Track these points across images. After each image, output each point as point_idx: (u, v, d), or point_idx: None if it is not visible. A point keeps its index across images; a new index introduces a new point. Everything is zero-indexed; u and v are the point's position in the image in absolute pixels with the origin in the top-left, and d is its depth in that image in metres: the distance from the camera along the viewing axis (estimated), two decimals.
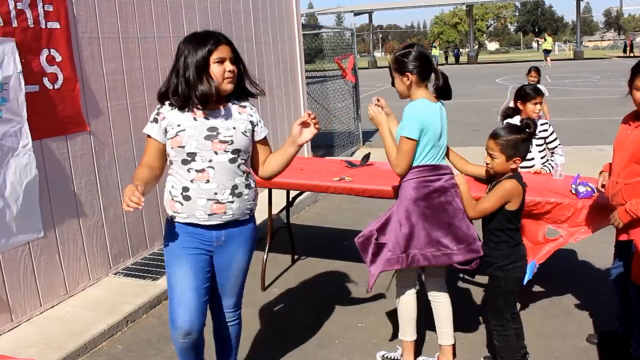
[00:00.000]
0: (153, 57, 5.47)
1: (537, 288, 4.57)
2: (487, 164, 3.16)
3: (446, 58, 50.86)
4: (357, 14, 49.20)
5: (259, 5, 7.63)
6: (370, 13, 49.90)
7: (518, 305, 3.60)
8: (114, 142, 5.02)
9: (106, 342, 4.06)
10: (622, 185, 3.18)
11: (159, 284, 4.77)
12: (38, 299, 4.32)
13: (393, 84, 3.28)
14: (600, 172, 3.55)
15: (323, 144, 10.62)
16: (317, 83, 10.83)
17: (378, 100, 3.36)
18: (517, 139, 3.04)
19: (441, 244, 3.18)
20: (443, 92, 3.25)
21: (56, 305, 4.44)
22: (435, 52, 40.12)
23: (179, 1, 5.88)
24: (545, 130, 4.68)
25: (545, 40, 37.55)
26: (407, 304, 3.47)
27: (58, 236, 4.48)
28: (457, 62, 49.18)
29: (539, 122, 4.59)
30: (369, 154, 5.25)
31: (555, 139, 4.76)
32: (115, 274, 4.99)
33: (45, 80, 4.31)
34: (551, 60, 35.77)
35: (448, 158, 3.44)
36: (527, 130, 3.07)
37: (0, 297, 4.04)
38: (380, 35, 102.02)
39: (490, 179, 3.27)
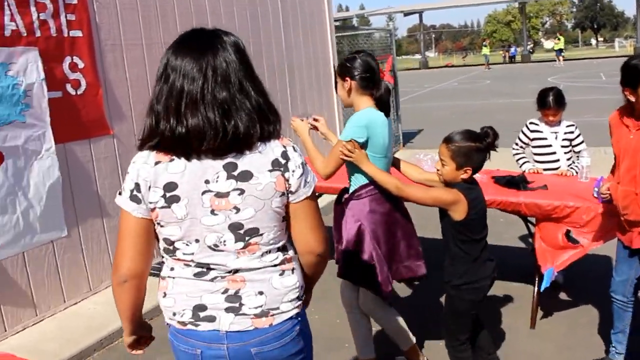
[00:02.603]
0: None
1: (563, 296, 4.47)
2: (437, 170, 2.90)
3: (504, 57, 50.08)
4: (407, 14, 48.88)
5: (289, 8, 7.73)
6: (420, 13, 49.50)
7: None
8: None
9: (122, 338, 4.19)
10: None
11: None
12: (62, 295, 4.52)
13: (336, 90, 3.19)
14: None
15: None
16: None
17: (315, 120, 3.27)
18: (471, 147, 2.75)
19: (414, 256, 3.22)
20: (380, 105, 3.09)
21: (80, 301, 4.64)
22: (485, 50, 39.63)
23: (204, 7, 6.03)
24: (572, 132, 4.57)
25: (559, 40, 38.60)
26: (394, 316, 3.37)
27: (82, 235, 4.68)
28: (512, 61, 48.25)
29: (565, 123, 4.52)
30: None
31: (582, 142, 4.61)
32: None
33: (68, 87, 4.51)
34: (564, 59, 36.89)
35: (398, 169, 3.31)
36: (486, 139, 2.77)
37: (25, 294, 4.25)
38: (434, 35, 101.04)
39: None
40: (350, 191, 3.13)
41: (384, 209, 3.08)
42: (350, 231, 3.07)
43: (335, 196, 3.42)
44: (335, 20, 14.02)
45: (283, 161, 1.71)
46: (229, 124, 1.64)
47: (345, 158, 2.92)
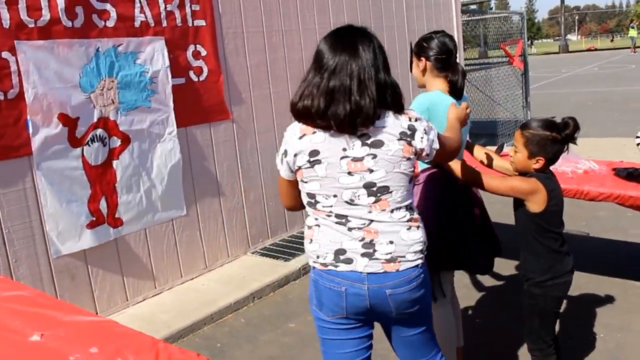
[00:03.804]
0: (297, 49, 5.74)
1: None
2: (510, 156, 2.74)
3: None
4: None
5: None
6: None
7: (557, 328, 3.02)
8: (256, 130, 5.38)
9: (231, 314, 4.41)
10: None
11: (289, 265, 5.05)
12: (179, 270, 4.80)
13: (411, 69, 3.02)
14: None
15: (484, 132, 10.32)
16: (479, 70, 10.54)
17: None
18: (546, 137, 2.57)
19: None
20: (454, 89, 2.89)
21: (195, 277, 4.91)
22: (632, 32, 36.69)
23: None
24: None
25: (633, 28, 36.04)
26: (446, 316, 3.02)
27: (200, 215, 4.93)
28: None
29: None
30: (504, 143, 5.06)
31: None
32: (253, 253, 5.37)
33: (191, 73, 4.75)
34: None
35: (472, 154, 3.15)
36: (564, 130, 2.57)
37: (146, 267, 4.56)
38: (577, 17, 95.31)
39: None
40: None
41: (438, 195, 2.87)
42: None
43: None
44: (471, 4, 13.62)
45: (409, 132, 2.07)
46: (362, 110, 1.99)
47: None
